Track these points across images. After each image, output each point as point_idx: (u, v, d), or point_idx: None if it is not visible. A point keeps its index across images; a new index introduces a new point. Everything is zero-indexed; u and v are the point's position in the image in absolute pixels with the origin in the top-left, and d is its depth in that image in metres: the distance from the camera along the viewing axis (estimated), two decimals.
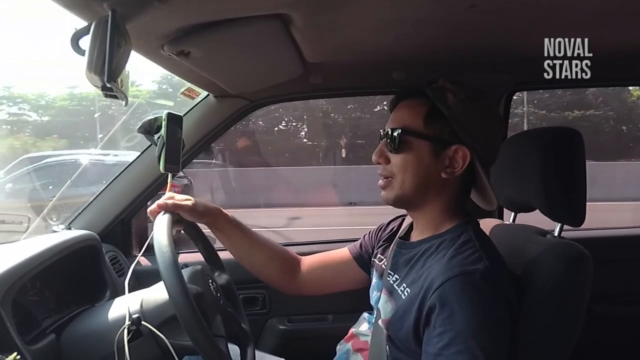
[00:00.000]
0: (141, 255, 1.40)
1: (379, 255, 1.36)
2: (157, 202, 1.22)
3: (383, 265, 1.30)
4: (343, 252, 1.50)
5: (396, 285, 1.17)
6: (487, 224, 1.40)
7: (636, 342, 2.02)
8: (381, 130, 1.20)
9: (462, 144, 1.12)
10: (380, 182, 1.19)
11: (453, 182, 1.16)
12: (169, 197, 1.24)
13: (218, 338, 1.09)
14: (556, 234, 1.20)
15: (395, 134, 1.14)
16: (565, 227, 1.21)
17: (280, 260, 1.45)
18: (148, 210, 1.24)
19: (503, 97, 1.95)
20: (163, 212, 1.19)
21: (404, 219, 1.40)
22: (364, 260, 1.45)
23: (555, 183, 1.15)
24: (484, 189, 1.18)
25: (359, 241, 1.49)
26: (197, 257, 1.51)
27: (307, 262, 1.49)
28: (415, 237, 1.24)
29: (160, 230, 1.08)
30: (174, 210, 1.21)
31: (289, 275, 1.46)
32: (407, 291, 1.11)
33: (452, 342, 0.95)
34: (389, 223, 1.45)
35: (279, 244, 1.51)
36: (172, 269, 0.99)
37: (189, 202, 1.26)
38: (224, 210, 1.37)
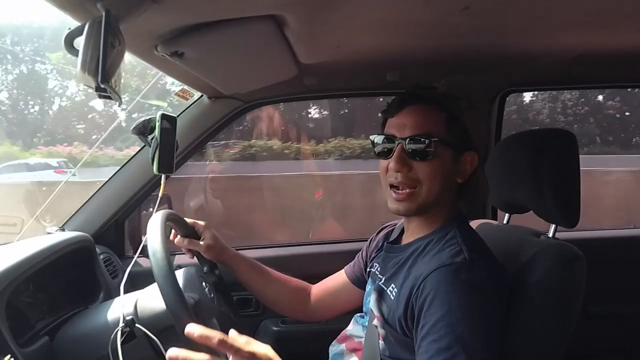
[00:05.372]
0: (137, 258, 1.39)
1: (375, 265, 1.36)
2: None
3: (377, 272, 1.30)
4: (340, 276, 1.54)
5: (385, 286, 1.19)
6: (480, 225, 1.40)
7: (630, 342, 2.03)
8: (394, 135, 1.15)
9: (472, 150, 1.17)
10: (402, 193, 1.15)
11: (458, 185, 1.20)
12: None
13: None
14: (550, 235, 1.21)
15: (424, 141, 1.11)
16: (559, 228, 1.21)
17: (292, 293, 1.55)
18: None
19: (497, 98, 1.96)
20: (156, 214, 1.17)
21: (395, 225, 1.41)
22: (358, 279, 1.48)
23: (549, 184, 1.16)
24: (474, 189, 1.24)
25: (354, 261, 1.52)
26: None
27: (314, 291, 1.56)
28: (405, 239, 1.26)
29: (155, 239, 1.06)
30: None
31: (300, 306, 1.56)
32: (395, 291, 1.14)
33: (430, 331, 0.98)
34: (378, 233, 1.46)
35: (291, 277, 1.58)
36: (171, 284, 0.99)
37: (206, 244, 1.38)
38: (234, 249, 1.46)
